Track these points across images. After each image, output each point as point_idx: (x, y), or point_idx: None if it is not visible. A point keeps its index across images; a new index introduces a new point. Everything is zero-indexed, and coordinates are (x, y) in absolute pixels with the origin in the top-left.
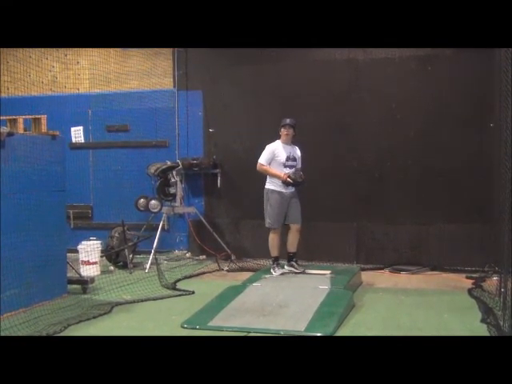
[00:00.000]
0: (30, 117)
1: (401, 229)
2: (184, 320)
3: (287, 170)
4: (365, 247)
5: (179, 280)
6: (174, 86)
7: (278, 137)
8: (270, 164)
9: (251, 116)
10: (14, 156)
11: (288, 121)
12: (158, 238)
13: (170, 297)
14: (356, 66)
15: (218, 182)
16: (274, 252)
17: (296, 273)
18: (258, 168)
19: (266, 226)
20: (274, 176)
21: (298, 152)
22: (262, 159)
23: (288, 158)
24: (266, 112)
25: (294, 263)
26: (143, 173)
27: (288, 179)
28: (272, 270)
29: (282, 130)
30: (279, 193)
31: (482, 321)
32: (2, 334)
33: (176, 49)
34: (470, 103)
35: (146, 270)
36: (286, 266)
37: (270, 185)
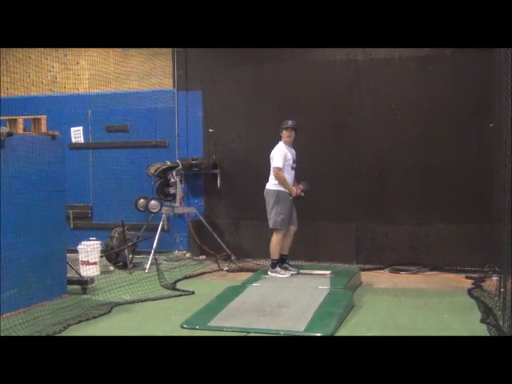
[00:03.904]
0: (30, 117)
1: (401, 229)
2: (184, 320)
3: (293, 173)
4: (365, 247)
5: (179, 280)
6: (174, 87)
7: (278, 138)
8: None
9: (251, 116)
10: (14, 156)
11: (290, 123)
12: (158, 239)
13: (170, 297)
14: (356, 66)
15: (218, 182)
16: (277, 254)
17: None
18: (275, 173)
19: (272, 227)
20: (287, 188)
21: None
22: (279, 163)
23: (293, 161)
24: (266, 112)
25: (287, 265)
26: (143, 173)
27: (301, 194)
28: (276, 274)
29: (284, 132)
30: (287, 194)
31: (482, 321)
32: (2, 334)
33: (176, 49)
34: (470, 103)
35: (145, 270)
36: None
37: (279, 186)
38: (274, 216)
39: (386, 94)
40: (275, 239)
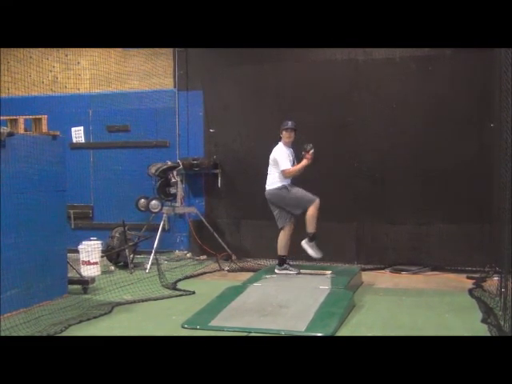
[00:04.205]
0: (31, 117)
1: (401, 229)
2: (184, 320)
3: None
4: (365, 247)
5: (180, 280)
6: (175, 86)
7: (278, 138)
8: None
9: (251, 116)
10: (15, 156)
11: (290, 124)
12: (159, 238)
13: (171, 297)
14: (356, 66)
15: (219, 182)
16: (314, 227)
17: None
18: (286, 175)
19: (306, 207)
20: (302, 169)
21: None
22: (286, 164)
23: (293, 162)
24: (267, 112)
25: (288, 265)
26: (144, 173)
27: (311, 155)
28: (309, 247)
29: (284, 133)
30: (290, 184)
31: (483, 321)
32: (3, 334)
33: (176, 49)
34: (470, 103)
35: (146, 270)
36: (276, 270)
37: (283, 181)
38: (296, 202)
39: (386, 93)
40: (313, 209)
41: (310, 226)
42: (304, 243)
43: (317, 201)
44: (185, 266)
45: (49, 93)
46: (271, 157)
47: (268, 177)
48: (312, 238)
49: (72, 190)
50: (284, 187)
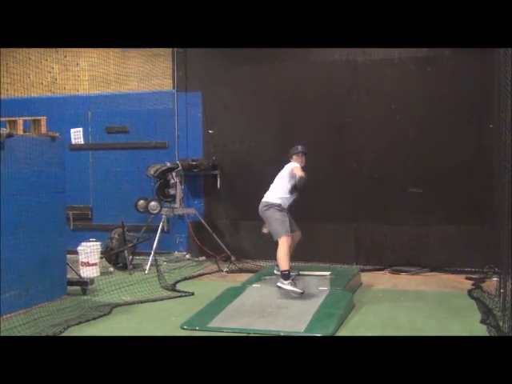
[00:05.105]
0: (30, 118)
1: (400, 230)
2: (184, 321)
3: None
4: (364, 248)
5: (179, 281)
6: (174, 88)
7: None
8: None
9: (251, 117)
10: (14, 157)
11: (300, 148)
12: (158, 240)
13: (170, 298)
14: (355, 67)
15: (218, 183)
16: (288, 264)
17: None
18: (300, 171)
19: (285, 235)
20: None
21: None
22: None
23: None
24: (266, 113)
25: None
26: (143, 174)
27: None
28: (292, 286)
29: (295, 157)
30: (285, 209)
31: (482, 322)
32: (2, 335)
33: (175, 50)
34: (470, 104)
35: (145, 271)
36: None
37: (280, 199)
38: (280, 226)
39: (385, 94)
40: (283, 248)
41: (282, 264)
42: (279, 284)
43: (288, 239)
44: (184, 267)
45: (48, 94)
46: (285, 169)
47: (271, 188)
48: (286, 276)
49: (71, 191)
50: (279, 206)
